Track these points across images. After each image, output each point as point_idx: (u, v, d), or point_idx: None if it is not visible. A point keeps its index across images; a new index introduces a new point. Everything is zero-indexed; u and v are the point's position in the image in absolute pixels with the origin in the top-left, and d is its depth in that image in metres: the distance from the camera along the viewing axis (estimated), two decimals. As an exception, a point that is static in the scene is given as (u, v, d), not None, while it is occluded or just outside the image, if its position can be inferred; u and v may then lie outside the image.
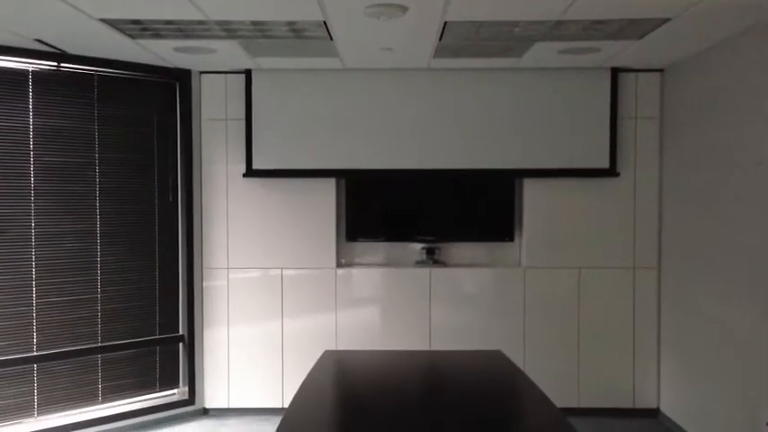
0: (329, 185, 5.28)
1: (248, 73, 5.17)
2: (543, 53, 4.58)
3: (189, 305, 5.23)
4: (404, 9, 3.52)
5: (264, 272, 5.31)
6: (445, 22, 3.81)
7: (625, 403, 5.24)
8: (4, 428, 4.46)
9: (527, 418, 2.92)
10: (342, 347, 5.23)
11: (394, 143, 5.20)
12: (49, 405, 4.64)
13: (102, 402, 4.89)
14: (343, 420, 2.89)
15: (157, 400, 5.16)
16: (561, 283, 5.25)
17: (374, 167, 5.22)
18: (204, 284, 5.31)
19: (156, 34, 4.12)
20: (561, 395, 4.79)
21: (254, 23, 3.85)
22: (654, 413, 5.21)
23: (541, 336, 5.26)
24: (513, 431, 2.77)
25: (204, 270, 5.30)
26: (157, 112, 5.13)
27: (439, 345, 5.24)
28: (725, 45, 4.22)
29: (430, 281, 5.30)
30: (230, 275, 5.31)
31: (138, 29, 3.99)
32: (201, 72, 5.24)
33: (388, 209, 5.49)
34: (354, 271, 5.37)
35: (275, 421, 3.07)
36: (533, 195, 5.27)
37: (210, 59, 4.82)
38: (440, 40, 4.21)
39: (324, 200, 5.28)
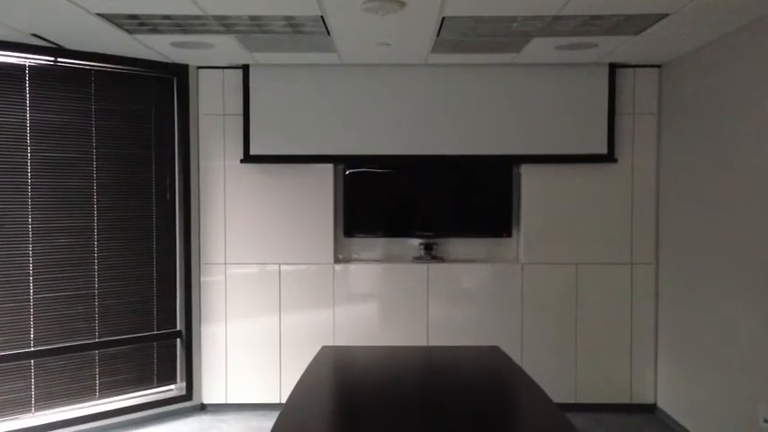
0: (327, 179, 5.27)
1: (246, 68, 5.16)
2: (541, 49, 4.57)
3: (186, 301, 5.23)
4: (402, 4, 3.52)
5: (262, 267, 5.31)
6: (443, 18, 3.81)
7: (622, 399, 5.25)
8: (1, 424, 4.45)
9: (524, 413, 2.92)
10: (339, 343, 5.23)
11: (392, 130, 5.20)
12: (46, 401, 4.64)
13: (100, 398, 4.89)
14: (340, 416, 2.89)
15: (155, 395, 5.16)
16: (559, 279, 5.26)
17: (371, 153, 5.21)
18: (202, 280, 5.30)
19: (154, 29, 4.11)
20: (558, 390, 4.82)
21: (252, 18, 3.84)
22: (651, 408, 5.23)
23: (539, 331, 5.27)
24: (511, 427, 2.77)
25: (202, 265, 5.30)
26: (155, 107, 5.12)
27: (436, 340, 5.25)
28: (723, 41, 4.22)
29: (427, 276, 5.30)
30: (228, 271, 5.30)
31: (136, 24, 3.98)
32: (199, 67, 5.23)
33: (386, 202, 5.48)
34: (352, 266, 5.37)
35: (273, 417, 3.07)
36: (531, 184, 5.27)
37: (208, 54, 4.81)
38: (437, 35, 4.20)
39: (321, 195, 5.28)
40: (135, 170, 5.02)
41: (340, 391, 3.31)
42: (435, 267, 5.32)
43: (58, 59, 4.62)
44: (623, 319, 5.24)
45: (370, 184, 5.41)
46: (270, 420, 4.72)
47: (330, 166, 5.29)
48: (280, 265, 5.31)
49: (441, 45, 4.47)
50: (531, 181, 5.27)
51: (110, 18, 3.85)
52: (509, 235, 5.36)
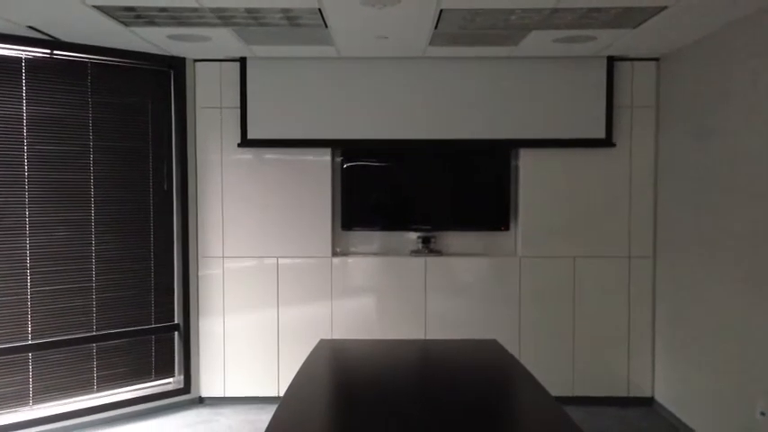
0: (325, 172, 5.27)
1: (243, 61, 5.14)
2: (539, 42, 4.56)
3: (184, 294, 5.23)
4: (399, -4, 3.51)
5: (260, 261, 5.31)
6: (441, 10, 3.79)
7: (620, 392, 5.26)
8: (-1, 417, 4.46)
9: (522, 406, 2.93)
10: (337, 336, 5.23)
11: (390, 118, 5.20)
12: (44, 394, 4.64)
13: (98, 391, 4.89)
14: (338, 409, 2.90)
15: (153, 388, 5.16)
16: (556, 273, 5.26)
17: (369, 137, 5.21)
18: (199, 273, 5.30)
19: (150, 21, 4.09)
20: (556, 384, 4.81)
21: (249, 11, 3.82)
22: (648, 402, 5.24)
23: (537, 325, 5.27)
24: (508, 420, 2.77)
25: (199, 259, 5.29)
26: (152, 99, 5.10)
27: (434, 334, 5.25)
28: (722, 34, 4.21)
29: (425, 270, 5.30)
30: (225, 264, 5.30)
31: (132, 16, 3.96)
32: (196, 60, 5.21)
33: (384, 196, 5.47)
34: (350, 260, 5.36)
35: (271, 410, 3.07)
36: (528, 176, 5.26)
37: (205, 47, 4.79)
38: (435, 28, 4.19)
39: (319, 188, 5.27)
40: (132, 163, 5.00)
41: (337, 384, 3.31)
42: (433, 261, 5.32)
43: (55, 52, 4.60)
44: (621, 313, 5.25)
45: (368, 178, 5.40)
46: (268, 413, 4.72)
47: (328, 157, 5.28)
48: (277, 258, 5.30)
49: (439, 38, 4.46)
50: (528, 172, 5.27)
51: (106, 10, 3.83)
52: (507, 228, 5.36)
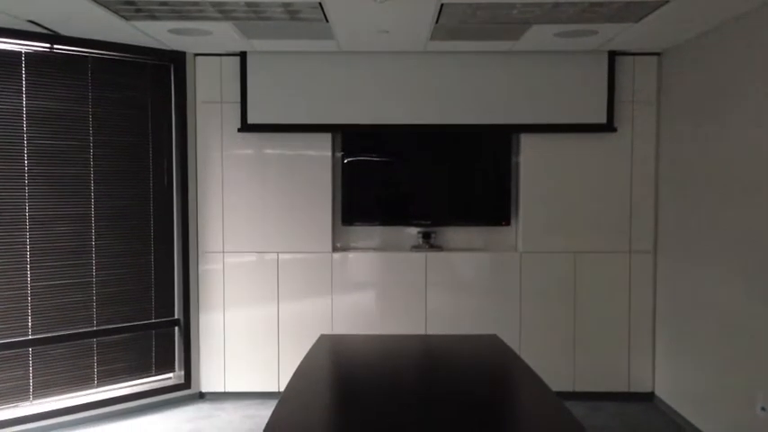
0: (325, 166, 5.26)
1: (243, 55, 5.13)
2: (540, 36, 4.55)
3: (184, 289, 5.22)
4: (400, -10, 3.50)
5: (260, 256, 5.30)
6: (442, 5, 3.78)
7: (620, 387, 5.26)
8: (-1, 412, 4.47)
9: (523, 402, 2.93)
10: (338, 331, 5.23)
11: (390, 101, 5.19)
12: (44, 389, 4.64)
13: (98, 386, 4.89)
14: (338, 404, 2.89)
15: (153, 384, 5.16)
16: (557, 268, 5.25)
17: (368, 122, 5.20)
18: (200, 268, 5.29)
19: (151, 15, 4.07)
20: (557, 379, 4.80)
21: (249, 5, 3.81)
22: (649, 397, 5.24)
23: (537, 320, 5.27)
24: (509, 415, 2.77)
25: (200, 254, 5.29)
26: (152, 94, 5.09)
27: (435, 329, 5.25)
28: (723, 28, 4.20)
29: (426, 265, 5.30)
30: (226, 259, 5.29)
31: (132, 10, 3.95)
32: (196, 54, 5.20)
33: (385, 191, 5.46)
34: (350, 255, 5.36)
35: (271, 405, 3.07)
36: (530, 162, 5.26)
37: (205, 41, 4.78)
38: (436, 22, 4.18)
39: (320, 183, 5.27)
40: (132, 158, 4.99)
41: (338, 379, 3.31)
42: (434, 256, 5.31)
43: (55, 46, 4.59)
44: (622, 308, 5.24)
45: (368, 173, 5.39)
46: (268, 408, 4.72)
47: (328, 152, 5.27)
48: (278, 253, 5.30)
49: (439, 32, 4.45)
50: (529, 165, 5.26)
51: (106, 4, 3.82)
52: (508, 223, 5.35)
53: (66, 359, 4.74)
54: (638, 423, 4.84)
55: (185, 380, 5.25)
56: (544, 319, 5.27)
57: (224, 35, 4.57)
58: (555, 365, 5.18)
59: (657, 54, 5.11)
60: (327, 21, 4.14)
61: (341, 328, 5.27)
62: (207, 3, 3.76)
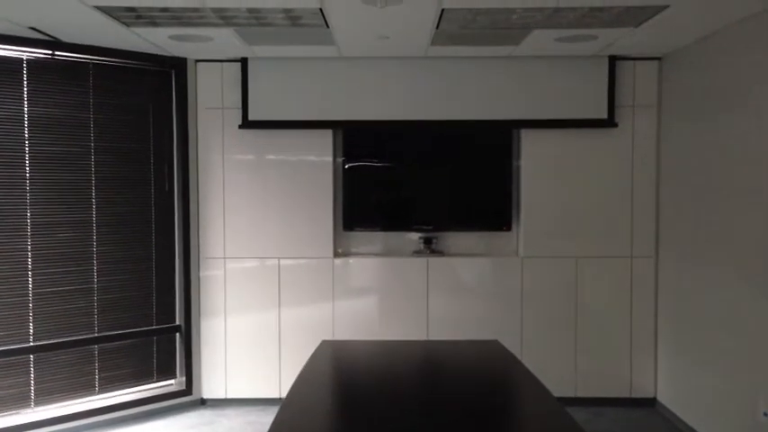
0: (326, 171, 5.26)
1: (244, 61, 5.14)
2: (541, 41, 4.55)
3: (186, 295, 5.22)
4: (401, -4, 3.50)
5: (261, 261, 5.30)
6: (442, 10, 3.79)
7: (622, 393, 5.24)
8: (0, 419, 4.45)
9: (524, 407, 2.92)
10: (339, 337, 5.22)
11: (390, 99, 5.21)
12: (45, 396, 4.63)
13: (99, 393, 4.89)
14: (340, 410, 2.89)
15: (155, 390, 5.15)
16: (558, 273, 5.24)
17: (369, 118, 5.20)
18: (201, 274, 5.29)
19: (152, 22, 4.08)
20: (558, 385, 4.78)
21: (250, 11, 3.81)
22: (651, 402, 5.22)
23: (539, 325, 5.26)
24: (511, 421, 2.76)
25: (201, 260, 5.29)
26: (153, 100, 5.10)
27: (436, 334, 5.24)
28: (724, 33, 4.20)
29: (427, 270, 5.29)
30: (227, 265, 5.29)
31: (133, 16, 3.96)
32: (197, 60, 5.21)
33: (386, 196, 5.45)
34: (351, 261, 5.36)
35: (273, 411, 3.06)
36: (530, 166, 5.25)
37: (206, 48, 4.79)
38: (437, 27, 4.18)
39: (321, 189, 5.27)
40: (133, 164, 5.00)
41: (340, 385, 3.31)
42: (435, 261, 5.31)
43: (56, 53, 4.60)
44: (623, 313, 5.23)
45: (369, 178, 5.39)
46: (270, 415, 4.71)
47: (329, 157, 5.27)
48: (279, 259, 5.30)
49: (440, 37, 4.45)
50: (529, 168, 5.26)
51: (107, 11, 3.83)
52: (509, 229, 5.35)
53: (68, 366, 4.73)
54: (640, 429, 4.83)
55: (187, 386, 5.24)
56: (545, 324, 5.26)
57: (225, 41, 4.58)
58: (556, 371, 5.17)
59: (658, 59, 5.12)
60: (328, 26, 4.15)
61: (342, 334, 5.26)
62: (208, 9, 3.77)
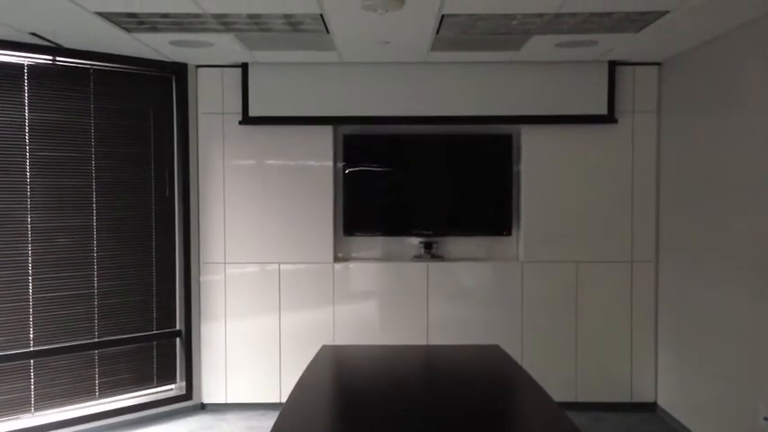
0: (327, 175, 5.27)
1: (245, 66, 5.15)
2: (541, 46, 4.56)
3: (186, 300, 5.22)
4: (401, 2, 3.50)
5: (261, 266, 5.30)
6: (442, 15, 3.80)
7: (623, 397, 5.24)
8: (0, 424, 4.44)
9: (525, 412, 2.92)
10: (339, 342, 5.22)
11: (391, 97, 5.20)
12: (45, 401, 4.63)
13: (100, 398, 4.88)
14: (340, 415, 2.89)
15: (155, 395, 5.15)
16: (559, 278, 5.25)
17: (369, 114, 5.19)
18: (201, 279, 5.29)
19: (152, 28, 4.09)
20: (559, 389, 4.79)
21: (251, 17, 3.82)
22: (652, 407, 5.22)
23: (539, 330, 5.26)
24: (511, 426, 2.76)
25: (201, 265, 5.29)
26: (153, 105, 5.11)
27: (436, 339, 5.24)
28: (724, 38, 4.21)
29: (427, 275, 5.29)
30: (227, 270, 5.29)
31: (134, 22, 3.97)
32: (198, 66, 5.22)
33: (386, 201, 5.45)
34: (352, 265, 5.36)
35: (273, 416, 3.06)
36: (531, 169, 5.26)
37: (207, 53, 4.80)
38: (437, 33, 4.19)
39: (321, 193, 5.28)
40: (134, 169, 5.00)
41: (340, 390, 3.31)
42: (435, 266, 5.31)
43: (57, 58, 4.61)
44: (623, 318, 5.23)
45: (370, 183, 5.39)
46: (270, 420, 4.71)
47: (330, 162, 5.28)
48: (279, 264, 5.30)
49: (440, 43, 4.46)
50: (530, 172, 5.27)
51: (108, 17, 3.84)
52: (509, 233, 5.35)
53: (68, 371, 4.73)
54: (641, 433, 4.83)
55: (187, 391, 5.24)
56: (546, 328, 5.26)
57: (225, 47, 4.59)
58: (557, 375, 5.16)
59: (658, 64, 5.13)
60: (328, 32, 4.16)
61: (343, 339, 5.26)
62: (208, 15, 3.78)
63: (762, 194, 3.77)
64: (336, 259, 5.36)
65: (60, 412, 4.69)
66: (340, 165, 5.37)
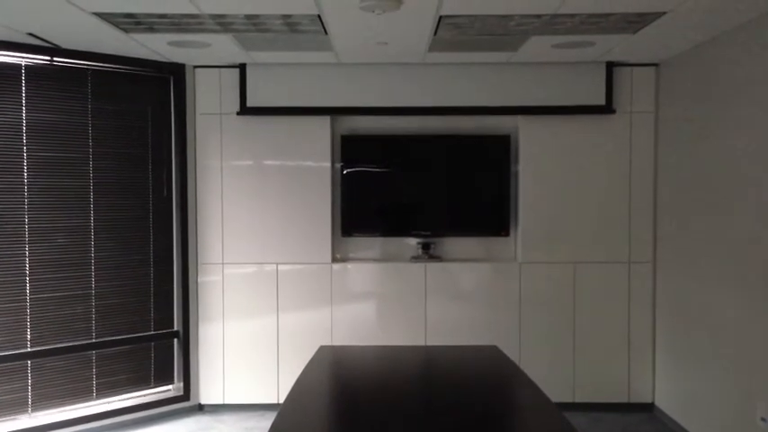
0: (325, 176, 5.27)
1: (243, 67, 5.15)
2: (539, 47, 4.56)
3: (184, 301, 5.22)
4: (399, 3, 3.51)
5: (259, 267, 5.30)
6: (440, 16, 3.80)
7: (620, 398, 5.24)
8: (-2, 425, 4.45)
9: (522, 412, 2.92)
10: (337, 343, 5.22)
11: (389, 93, 5.22)
12: (43, 401, 4.62)
13: (97, 399, 4.88)
14: (338, 416, 2.89)
15: (152, 396, 5.14)
16: (557, 278, 5.25)
17: (366, 105, 5.21)
18: (199, 280, 5.29)
19: (150, 28, 4.09)
20: (556, 390, 4.80)
21: (248, 17, 3.82)
22: (649, 407, 5.22)
23: (537, 330, 5.26)
24: (509, 426, 2.76)
25: (199, 265, 5.28)
26: (151, 106, 5.10)
27: (434, 340, 5.24)
28: (721, 39, 4.22)
29: (425, 276, 5.30)
30: (225, 271, 5.29)
31: (132, 23, 3.97)
32: (196, 66, 5.22)
33: (384, 202, 5.45)
34: (350, 266, 5.36)
35: (271, 417, 3.06)
36: (529, 168, 5.27)
37: (205, 53, 4.80)
38: (435, 34, 4.19)
39: (319, 194, 5.28)
40: (132, 170, 5.00)
41: (338, 391, 3.31)
42: (433, 267, 5.31)
43: (55, 59, 4.61)
44: (621, 319, 5.24)
45: (368, 184, 5.39)
46: (268, 420, 4.70)
47: (328, 163, 5.28)
48: (277, 264, 5.30)
49: (438, 44, 4.46)
50: (528, 170, 5.28)
51: (106, 17, 3.84)
52: (507, 234, 5.35)
53: (65, 371, 4.72)
54: (638, 434, 4.84)
55: (184, 392, 5.24)
56: (544, 329, 5.26)
57: (223, 47, 4.59)
58: (554, 376, 5.17)
59: (655, 65, 5.13)
60: (326, 33, 4.16)
61: (340, 339, 5.26)
62: (206, 15, 3.78)
63: (759, 196, 3.78)
64: (334, 260, 5.36)
65: (57, 413, 4.69)
66: (338, 165, 5.37)
